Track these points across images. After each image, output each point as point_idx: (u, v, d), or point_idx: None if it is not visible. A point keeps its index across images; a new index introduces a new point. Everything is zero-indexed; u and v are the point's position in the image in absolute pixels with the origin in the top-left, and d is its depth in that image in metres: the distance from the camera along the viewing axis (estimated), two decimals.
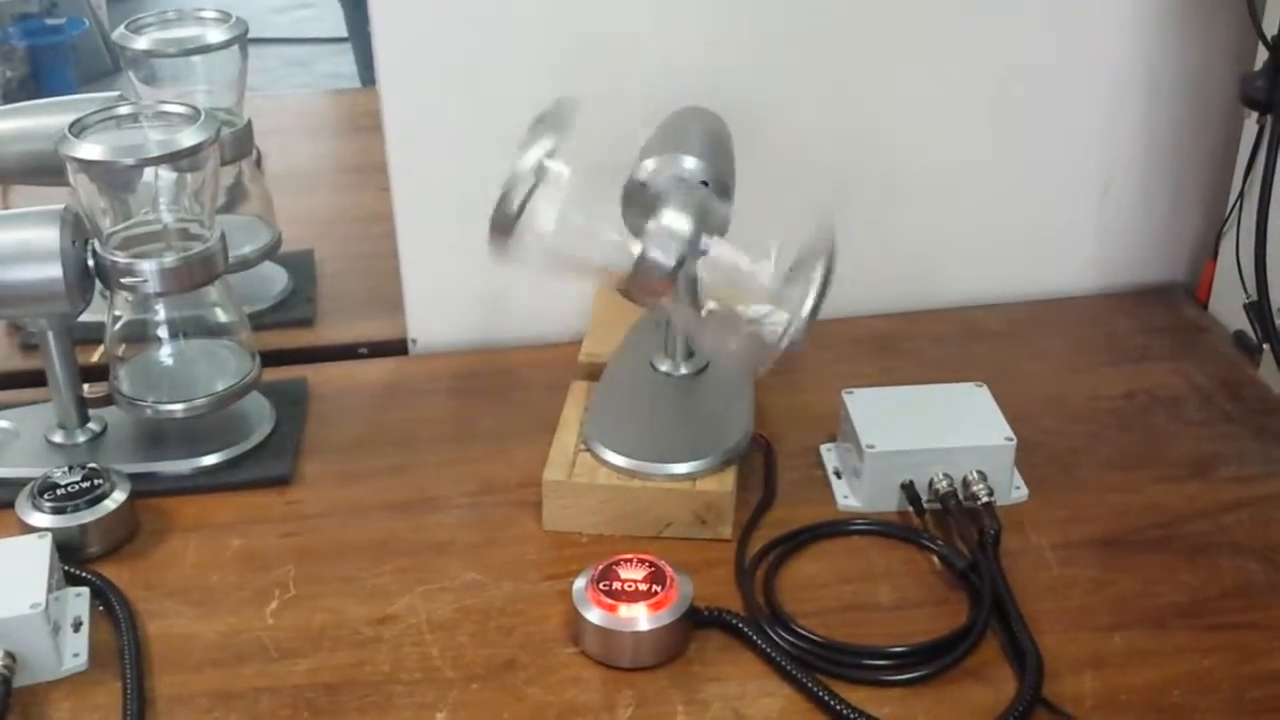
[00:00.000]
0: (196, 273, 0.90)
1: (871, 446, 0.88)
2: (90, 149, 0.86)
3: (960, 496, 0.87)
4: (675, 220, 0.78)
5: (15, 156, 1.03)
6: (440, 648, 0.79)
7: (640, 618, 0.76)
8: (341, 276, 1.23)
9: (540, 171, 0.81)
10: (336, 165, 1.47)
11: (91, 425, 0.97)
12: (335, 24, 1.46)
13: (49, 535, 0.81)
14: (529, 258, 0.82)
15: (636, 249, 0.79)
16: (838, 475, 0.93)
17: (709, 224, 0.80)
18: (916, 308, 1.15)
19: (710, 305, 0.88)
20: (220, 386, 0.95)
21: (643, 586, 0.78)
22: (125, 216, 0.91)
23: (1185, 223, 1.18)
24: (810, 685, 0.75)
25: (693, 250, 0.79)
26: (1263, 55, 1.02)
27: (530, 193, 0.80)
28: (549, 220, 0.80)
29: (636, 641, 0.76)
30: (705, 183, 0.84)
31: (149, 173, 0.89)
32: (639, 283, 0.81)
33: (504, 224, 0.80)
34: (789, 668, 0.76)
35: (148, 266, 0.88)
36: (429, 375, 1.08)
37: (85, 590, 0.82)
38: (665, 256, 0.78)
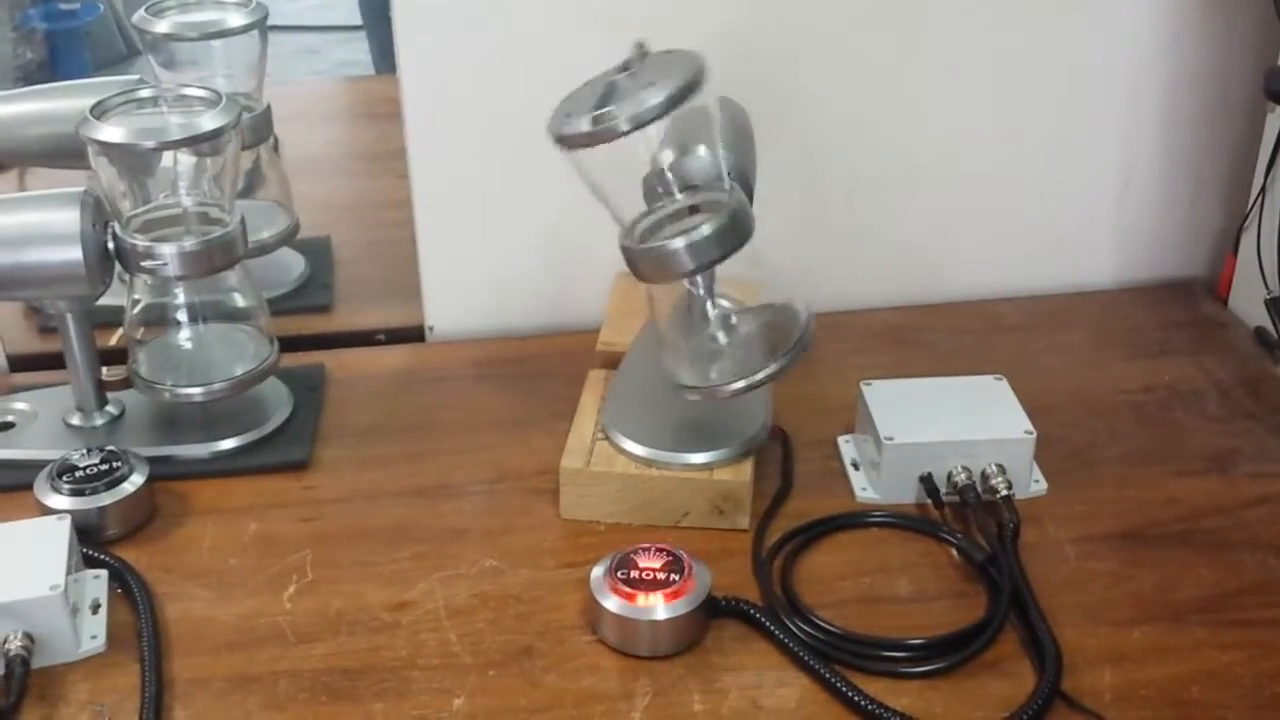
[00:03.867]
0: (216, 257, 0.90)
1: (890, 438, 0.88)
2: (111, 132, 0.86)
3: (979, 489, 0.87)
4: (711, 230, 0.79)
5: (36, 139, 1.03)
6: (458, 634, 0.79)
7: (658, 606, 0.76)
8: (359, 263, 1.23)
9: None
10: (353, 152, 1.46)
11: (110, 408, 0.97)
12: (347, 12, 1.45)
13: (68, 517, 0.81)
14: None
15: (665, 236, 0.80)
16: (855, 467, 0.92)
17: (740, 233, 0.81)
18: (936, 300, 1.15)
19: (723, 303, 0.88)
20: (239, 371, 0.95)
21: (660, 575, 0.77)
22: (145, 200, 0.91)
23: (1206, 217, 1.17)
24: (827, 676, 0.74)
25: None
26: None
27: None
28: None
29: (654, 630, 0.76)
30: (730, 173, 0.84)
31: (169, 156, 0.90)
32: (656, 269, 0.81)
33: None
34: (806, 658, 0.76)
35: (167, 250, 0.88)
36: (446, 362, 1.08)
37: (104, 572, 0.83)
38: (692, 260, 0.79)
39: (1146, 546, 0.86)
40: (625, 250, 0.82)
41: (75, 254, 0.87)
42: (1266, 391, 1.02)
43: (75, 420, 0.96)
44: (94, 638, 0.78)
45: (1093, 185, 1.15)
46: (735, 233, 0.80)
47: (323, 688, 0.75)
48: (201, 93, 0.91)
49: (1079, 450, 0.95)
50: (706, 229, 0.79)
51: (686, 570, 0.78)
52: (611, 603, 0.77)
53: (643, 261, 0.82)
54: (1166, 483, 0.92)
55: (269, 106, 1.10)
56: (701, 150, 0.84)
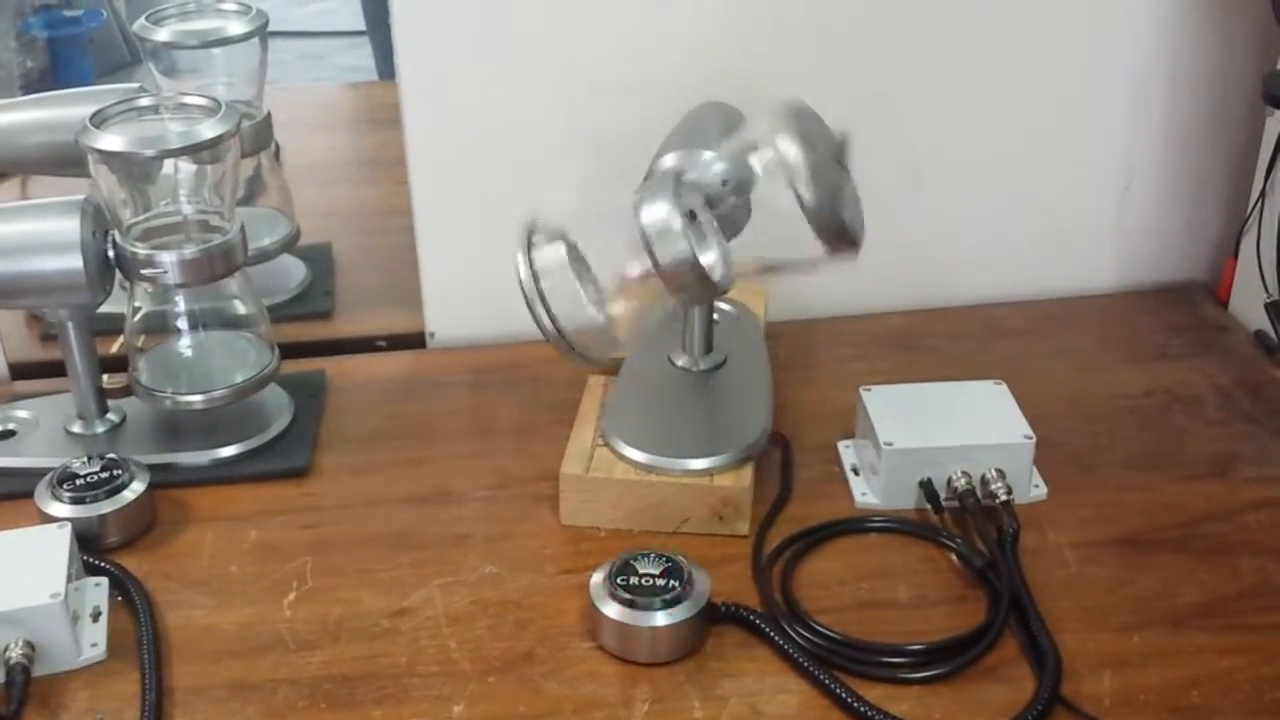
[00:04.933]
0: (216, 264, 0.90)
1: (890, 444, 0.88)
2: (111, 140, 0.86)
3: (979, 494, 0.87)
4: (655, 214, 0.79)
5: (36, 147, 1.03)
6: (457, 640, 0.79)
7: (657, 613, 0.76)
8: (360, 269, 1.23)
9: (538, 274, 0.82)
10: (355, 158, 1.46)
11: (110, 416, 0.97)
12: (352, 17, 1.46)
13: (68, 525, 0.81)
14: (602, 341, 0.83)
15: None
16: (855, 472, 0.92)
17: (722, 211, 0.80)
18: (935, 305, 1.15)
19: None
20: (239, 378, 0.95)
21: (660, 582, 0.77)
22: (145, 208, 0.91)
23: (1206, 221, 1.17)
24: (827, 682, 0.74)
25: (696, 230, 0.80)
26: None
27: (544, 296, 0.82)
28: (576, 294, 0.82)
29: (654, 637, 0.76)
30: (725, 182, 0.84)
31: (169, 164, 0.90)
32: (668, 282, 0.81)
33: (561, 342, 0.82)
34: (806, 664, 0.76)
35: (168, 258, 0.89)
36: (447, 368, 1.08)
37: (104, 580, 0.83)
38: (663, 252, 0.79)
39: (1146, 551, 0.86)
40: (656, 190, 0.81)
41: (75, 262, 0.87)
42: (1267, 395, 1.01)
43: (76, 428, 0.96)
44: (94, 645, 0.78)
45: (1093, 189, 1.15)
46: (692, 285, 0.81)
47: (322, 695, 0.75)
48: (201, 100, 0.91)
49: (1079, 455, 0.95)
50: (688, 261, 0.80)
51: (686, 576, 0.78)
52: (611, 609, 0.77)
53: (655, 218, 0.81)
54: (1166, 487, 0.91)
55: (269, 114, 1.11)
56: (705, 155, 0.84)
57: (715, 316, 0.97)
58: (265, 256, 1.11)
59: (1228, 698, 0.74)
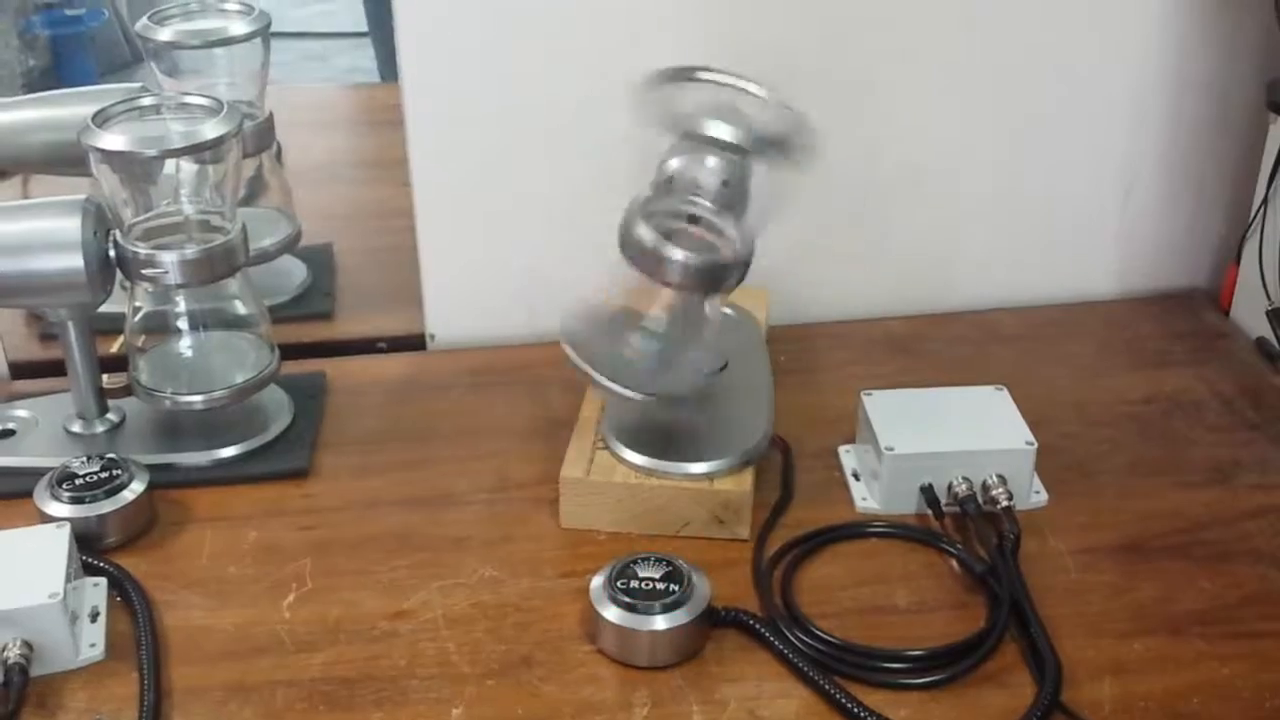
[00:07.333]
0: (217, 265, 0.90)
1: (890, 449, 0.88)
2: (113, 140, 0.86)
3: (979, 500, 0.86)
4: (701, 263, 0.81)
5: (38, 146, 1.03)
6: (456, 643, 0.79)
7: (657, 617, 0.76)
8: (360, 271, 1.23)
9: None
10: (356, 159, 1.46)
11: (110, 416, 0.97)
12: (353, 18, 1.46)
13: (67, 525, 0.81)
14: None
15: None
16: (856, 477, 0.92)
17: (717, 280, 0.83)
18: (937, 310, 1.14)
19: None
20: (239, 379, 0.95)
21: (660, 585, 0.77)
22: (147, 208, 0.91)
23: (1208, 228, 1.17)
24: (827, 687, 0.74)
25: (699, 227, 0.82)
26: None
27: None
28: None
29: (653, 640, 0.76)
30: (727, 182, 0.84)
31: (171, 164, 0.90)
32: (654, 269, 0.81)
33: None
34: (806, 669, 0.76)
35: (169, 258, 0.88)
36: (447, 371, 1.08)
37: (103, 580, 0.82)
38: (697, 279, 0.81)
39: (1147, 558, 0.85)
40: (627, 222, 0.82)
41: (76, 262, 0.87)
42: (1268, 402, 1.01)
43: (76, 428, 0.96)
44: (93, 646, 0.78)
45: (1095, 195, 1.15)
46: (715, 277, 0.82)
47: (321, 697, 0.75)
48: (203, 100, 0.91)
49: (1080, 461, 0.94)
50: (698, 260, 0.81)
51: (686, 580, 0.78)
52: (611, 613, 0.77)
53: (635, 245, 0.82)
54: (1167, 494, 0.91)
55: (271, 114, 1.11)
56: (710, 160, 0.84)
57: None
58: (266, 257, 1.11)
59: (1228, 705, 0.74)
